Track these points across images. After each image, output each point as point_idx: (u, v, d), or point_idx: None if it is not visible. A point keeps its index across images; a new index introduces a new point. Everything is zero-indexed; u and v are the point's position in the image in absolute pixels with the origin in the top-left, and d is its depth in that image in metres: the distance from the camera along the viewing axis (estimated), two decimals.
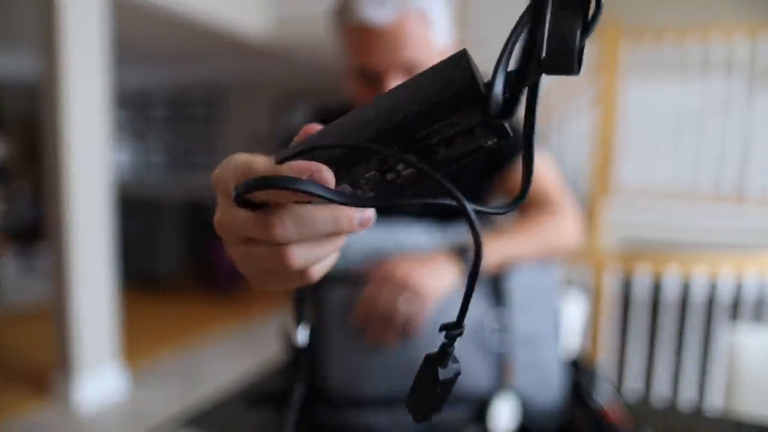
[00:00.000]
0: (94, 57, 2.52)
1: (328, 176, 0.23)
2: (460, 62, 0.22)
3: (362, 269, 0.71)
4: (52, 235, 2.54)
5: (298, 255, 0.26)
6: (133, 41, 4.24)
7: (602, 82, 2.95)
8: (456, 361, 0.25)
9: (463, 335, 0.71)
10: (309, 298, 0.76)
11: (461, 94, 0.21)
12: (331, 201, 0.23)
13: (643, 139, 3.39)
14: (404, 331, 0.67)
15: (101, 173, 2.61)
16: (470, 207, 0.22)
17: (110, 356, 2.71)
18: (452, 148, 0.24)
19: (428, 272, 0.68)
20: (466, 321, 0.79)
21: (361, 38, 0.73)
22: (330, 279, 0.71)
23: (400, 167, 0.24)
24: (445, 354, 0.25)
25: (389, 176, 0.25)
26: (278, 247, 0.25)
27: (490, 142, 0.24)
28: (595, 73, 3.12)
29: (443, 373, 0.25)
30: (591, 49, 3.44)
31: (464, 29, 3.46)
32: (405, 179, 0.25)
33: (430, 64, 0.71)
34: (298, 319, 0.36)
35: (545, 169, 0.88)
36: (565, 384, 0.78)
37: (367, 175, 0.25)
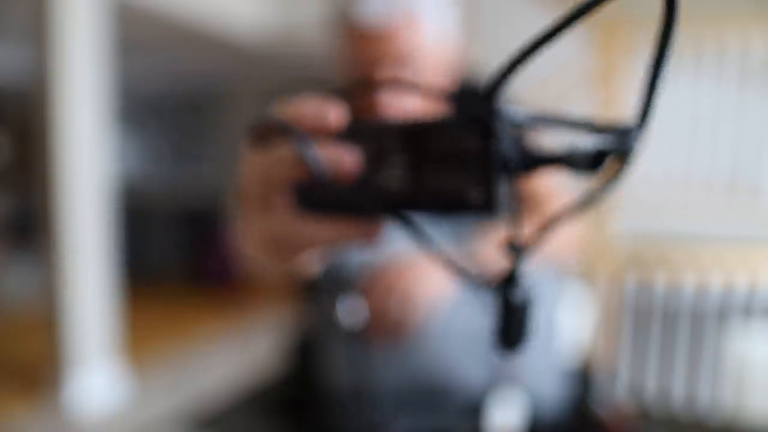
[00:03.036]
0: (92, 57, 2.52)
1: (332, 114, 0.25)
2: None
3: (361, 274, 0.72)
4: (48, 233, 2.54)
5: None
6: (132, 42, 4.24)
7: (602, 82, 2.94)
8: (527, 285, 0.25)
9: (463, 337, 0.72)
10: (311, 306, 0.77)
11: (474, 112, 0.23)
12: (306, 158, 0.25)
13: (651, 135, 3.36)
14: (395, 334, 0.68)
15: (99, 172, 2.61)
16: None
17: (107, 356, 2.71)
18: (442, 172, 0.24)
19: (420, 277, 0.69)
20: (465, 324, 0.77)
21: (352, 37, 0.75)
22: (332, 287, 0.73)
23: (389, 163, 0.25)
24: (513, 278, 0.24)
25: (374, 167, 0.26)
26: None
27: (473, 193, 0.24)
28: (595, 74, 3.11)
29: (517, 297, 0.24)
30: (591, 45, 3.42)
31: (474, 25, 3.45)
32: (384, 181, 0.26)
33: (425, 62, 0.71)
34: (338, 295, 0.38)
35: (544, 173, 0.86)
36: (567, 389, 0.78)
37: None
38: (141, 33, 3.99)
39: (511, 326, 0.24)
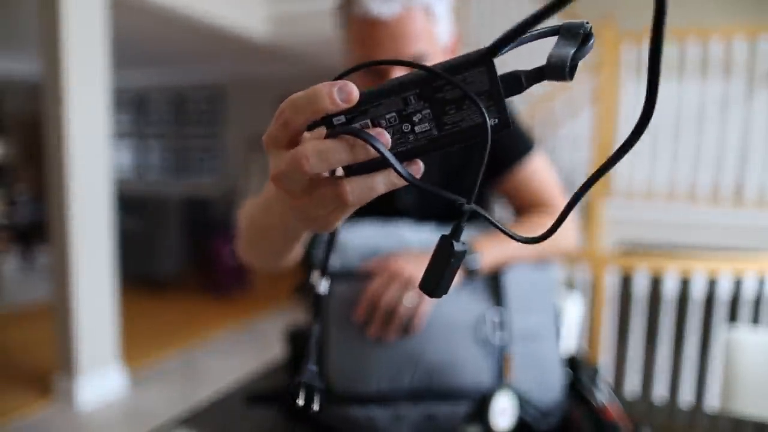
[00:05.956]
0: (96, 57, 2.53)
1: (352, 89, 0.26)
2: (480, 51, 0.27)
3: (365, 266, 0.72)
4: (53, 234, 2.55)
5: (351, 190, 0.29)
6: (134, 41, 4.25)
7: (601, 83, 2.96)
8: (464, 242, 0.29)
9: (463, 332, 0.72)
10: (310, 292, 0.76)
11: (474, 55, 0.27)
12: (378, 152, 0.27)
13: (641, 140, 3.40)
14: (407, 326, 0.68)
15: (102, 173, 2.61)
16: (489, 121, 0.27)
17: (111, 356, 2.72)
18: (461, 112, 0.28)
19: (423, 265, 0.69)
20: (466, 318, 0.80)
21: (366, 32, 0.73)
22: (332, 275, 0.71)
23: (416, 118, 0.28)
24: (458, 229, 0.29)
25: (405, 127, 0.28)
26: (336, 185, 0.29)
27: (491, 121, 0.28)
28: (594, 74, 3.12)
29: (457, 246, 0.28)
30: (595, 62, 3.44)
31: (465, 27, 3.47)
32: (417, 136, 0.29)
33: (435, 58, 0.73)
34: (323, 271, 0.41)
35: (543, 170, 0.89)
36: (565, 381, 0.78)
37: (387, 116, 0.28)
38: (146, 33, 4.00)
39: (446, 271, 0.29)
